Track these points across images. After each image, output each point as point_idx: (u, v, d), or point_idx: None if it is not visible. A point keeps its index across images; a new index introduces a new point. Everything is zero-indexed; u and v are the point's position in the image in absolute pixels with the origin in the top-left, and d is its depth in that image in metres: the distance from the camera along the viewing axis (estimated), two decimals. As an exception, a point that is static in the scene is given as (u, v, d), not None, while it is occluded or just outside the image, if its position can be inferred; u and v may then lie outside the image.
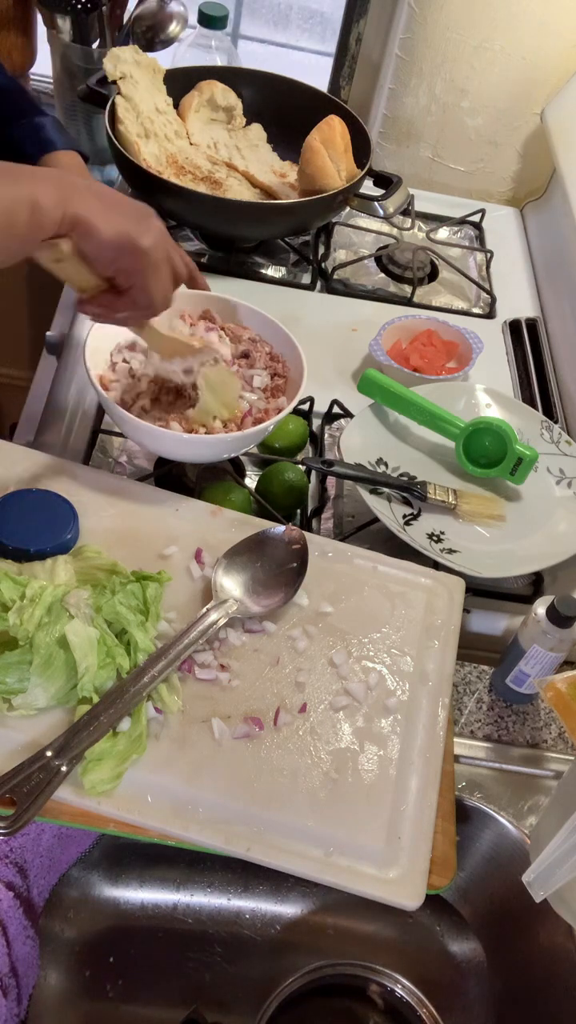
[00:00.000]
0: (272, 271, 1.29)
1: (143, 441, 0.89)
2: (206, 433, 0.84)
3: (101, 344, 0.88)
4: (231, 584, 0.77)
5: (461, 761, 0.83)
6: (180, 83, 1.29)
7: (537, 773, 0.84)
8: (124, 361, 0.90)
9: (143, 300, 0.74)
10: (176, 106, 1.29)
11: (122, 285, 0.73)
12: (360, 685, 0.74)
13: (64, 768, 0.62)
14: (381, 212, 1.22)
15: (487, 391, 1.07)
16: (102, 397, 0.83)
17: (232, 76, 1.32)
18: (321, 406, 1.08)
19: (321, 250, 1.34)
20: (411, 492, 0.93)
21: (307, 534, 0.81)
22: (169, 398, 0.89)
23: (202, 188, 1.22)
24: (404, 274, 1.32)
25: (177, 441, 0.84)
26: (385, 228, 1.38)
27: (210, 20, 1.34)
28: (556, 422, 1.14)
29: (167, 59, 1.33)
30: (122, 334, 0.89)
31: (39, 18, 1.36)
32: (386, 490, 0.94)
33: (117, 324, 0.79)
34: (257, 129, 1.34)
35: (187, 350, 0.85)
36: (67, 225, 0.65)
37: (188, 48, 1.38)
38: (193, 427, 0.85)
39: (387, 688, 0.75)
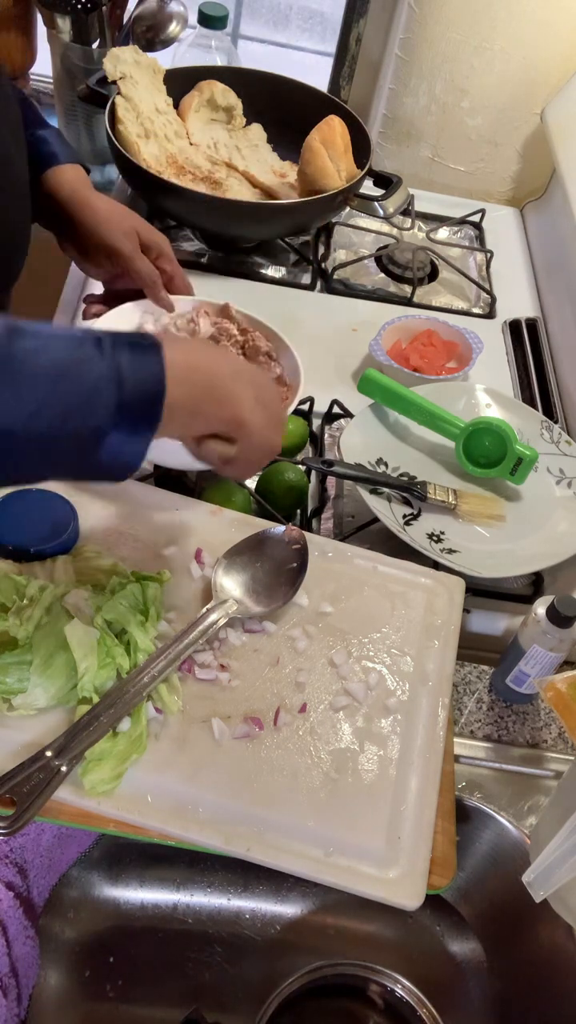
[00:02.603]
0: (272, 271, 1.29)
1: None
2: None
3: None
4: (231, 584, 0.77)
5: (461, 761, 0.83)
6: (180, 83, 1.29)
7: (537, 773, 0.84)
8: None
9: (251, 472, 0.76)
10: (176, 106, 1.29)
11: (248, 467, 0.75)
12: (360, 685, 0.74)
13: (64, 768, 0.62)
14: (381, 212, 1.22)
15: (487, 391, 1.06)
16: None
17: (232, 76, 1.32)
18: (321, 406, 1.08)
19: (321, 250, 1.34)
20: (411, 492, 0.93)
21: (307, 534, 0.81)
22: None
23: (202, 188, 1.22)
24: (404, 274, 1.32)
25: (173, 448, 0.83)
26: (385, 228, 1.38)
27: (210, 20, 1.34)
28: (556, 422, 1.14)
29: (167, 59, 1.33)
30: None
31: (39, 18, 1.36)
32: (386, 490, 0.94)
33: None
34: (257, 129, 1.34)
35: None
36: (232, 428, 0.68)
37: (188, 48, 1.38)
38: None
39: (387, 688, 0.75)
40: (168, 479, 0.94)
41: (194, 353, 0.66)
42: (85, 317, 0.93)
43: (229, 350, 0.87)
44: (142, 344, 0.61)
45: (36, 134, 0.89)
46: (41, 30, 1.38)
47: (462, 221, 1.44)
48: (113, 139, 1.16)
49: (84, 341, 0.59)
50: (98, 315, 0.91)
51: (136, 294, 0.91)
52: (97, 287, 0.98)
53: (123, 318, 0.90)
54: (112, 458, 0.60)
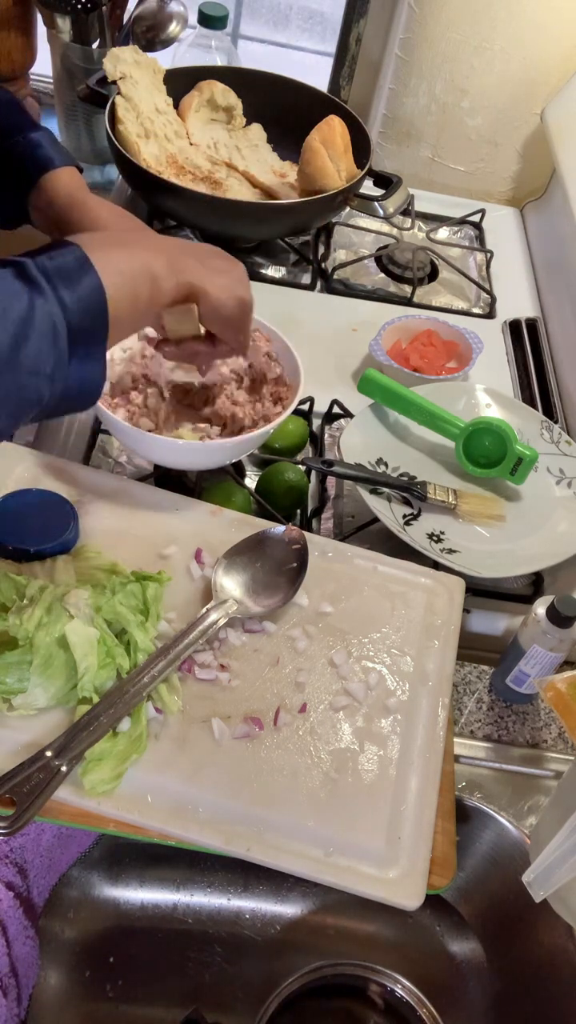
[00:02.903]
0: (272, 271, 1.29)
1: (137, 449, 0.88)
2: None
3: None
4: (231, 584, 0.77)
5: (461, 761, 0.83)
6: (180, 83, 1.29)
7: (537, 773, 0.84)
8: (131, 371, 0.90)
9: (237, 345, 0.79)
10: (176, 106, 1.29)
11: (226, 338, 0.77)
12: (360, 685, 0.74)
13: (64, 768, 0.62)
14: (381, 212, 1.22)
15: (487, 391, 1.07)
16: (97, 408, 0.83)
17: (232, 76, 1.32)
18: (321, 406, 1.08)
19: (321, 250, 1.34)
20: (411, 492, 0.93)
21: (307, 534, 0.81)
22: (177, 397, 0.89)
23: (202, 188, 1.22)
24: (404, 274, 1.32)
25: (173, 448, 0.83)
26: (385, 228, 1.38)
27: (210, 20, 1.34)
28: (556, 422, 1.14)
29: (167, 59, 1.33)
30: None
31: (39, 18, 1.36)
32: (386, 490, 0.94)
33: (186, 361, 0.82)
34: (257, 129, 1.34)
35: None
36: (182, 293, 0.70)
37: (188, 48, 1.38)
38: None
39: (387, 688, 0.75)
40: (168, 479, 0.94)
41: (120, 251, 0.66)
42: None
43: (148, 232, 0.86)
44: (71, 265, 0.61)
45: (29, 137, 0.89)
46: (41, 30, 1.37)
47: (462, 221, 1.44)
48: (113, 139, 1.16)
49: (16, 290, 0.58)
50: None
51: None
52: None
53: None
54: (75, 390, 0.61)
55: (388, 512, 0.92)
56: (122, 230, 0.81)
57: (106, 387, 0.88)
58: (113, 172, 1.40)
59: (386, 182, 1.25)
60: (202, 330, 0.77)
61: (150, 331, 0.92)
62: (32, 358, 0.57)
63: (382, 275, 1.33)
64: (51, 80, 1.41)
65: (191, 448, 0.83)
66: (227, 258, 0.76)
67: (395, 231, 1.38)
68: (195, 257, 0.72)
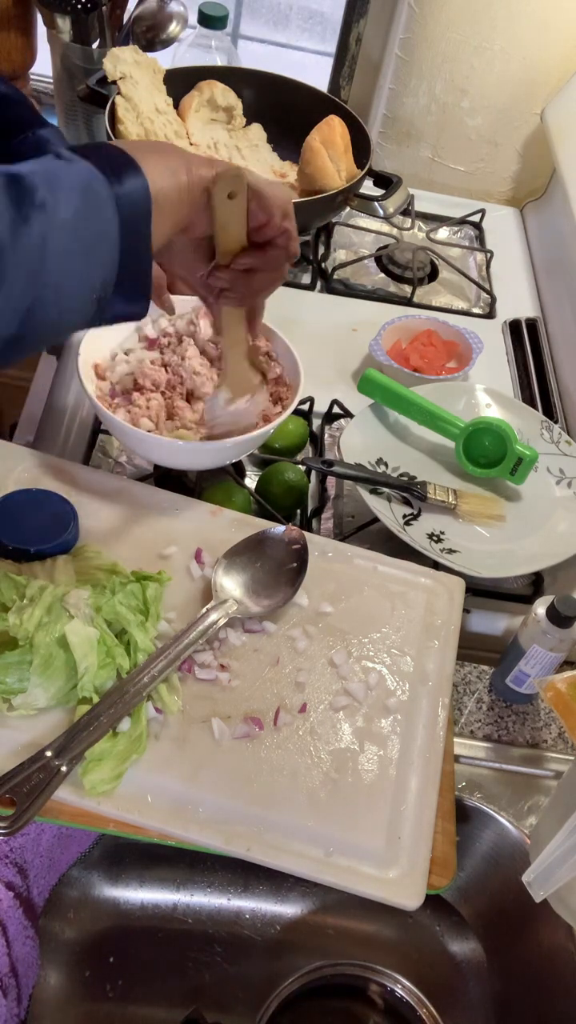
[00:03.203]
0: (272, 271, 1.29)
1: (136, 449, 0.88)
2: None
3: (95, 355, 0.88)
4: (231, 584, 0.77)
5: (461, 761, 0.83)
6: (180, 83, 1.28)
7: (537, 773, 0.84)
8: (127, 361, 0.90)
9: (287, 241, 0.74)
10: (176, 106, 1.29)
11: (276, 239, 0.73)
12: (360, 685, 0.74)
13: (64, 768, 0.62)
14: (381, 212, 1.22)
15: (487, 391, 1.07)
16: (97, 408, 0.83)
17: (232, 76, 1.32)
18: (321, 406, 1.08)
19: (321, 250, 1.34)
20: (411, 492, 0.93)
21: (307, 534, 0.81)
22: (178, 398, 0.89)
23: (202, 188, 1.22)
24: (404, 274, 1.32)
25: (173, 449, 0.83)
26: (385, 228, 1.38)
27: (210, 20, 1.34)
28: (556, 422, 1.14)
29: (167, 59, 1.33)
30: (115, 340, 0.90)
31: (39, 18, 1.36)
32: (386, 490, 0.94)
33: (251, 298, 0.78)
34: (257, 129, 1.34)
35: (251, 387, 0.83)
36: (236, 181, 0.68)
37: (188, 48, 1.38)
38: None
39: (387, 688, 0.75)
40: (168, 479, 0.94)
41: (155, 153, 0.65)
42: None
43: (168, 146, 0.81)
44: (126, 165, 0.61)
45: (37, 134, 0.89)
46: (41, 30, 1.37)
47: (462, 221, 1.44)
48: (113, 139, 1.16)
49: (91, 190, 0.58)
50: None
51: None
52: None
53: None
54: (128, 284, 0.61)
55: (388, 512, 0.92)
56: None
57: (107, 387, 0.88)
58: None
59: (386, 182, 1.25)
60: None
61: (150, 332, 0.92)
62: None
63: (382, 275, 1.33)
64: (51, 80, 1.41)
65: (191, 448, 0.83)
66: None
67: (395, 231, 1.38)
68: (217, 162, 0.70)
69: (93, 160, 0.60)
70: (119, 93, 1.19)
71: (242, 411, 0.83)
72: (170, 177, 0.65)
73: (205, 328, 0.90)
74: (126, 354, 0.91)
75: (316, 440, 1.07)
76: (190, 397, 0.89)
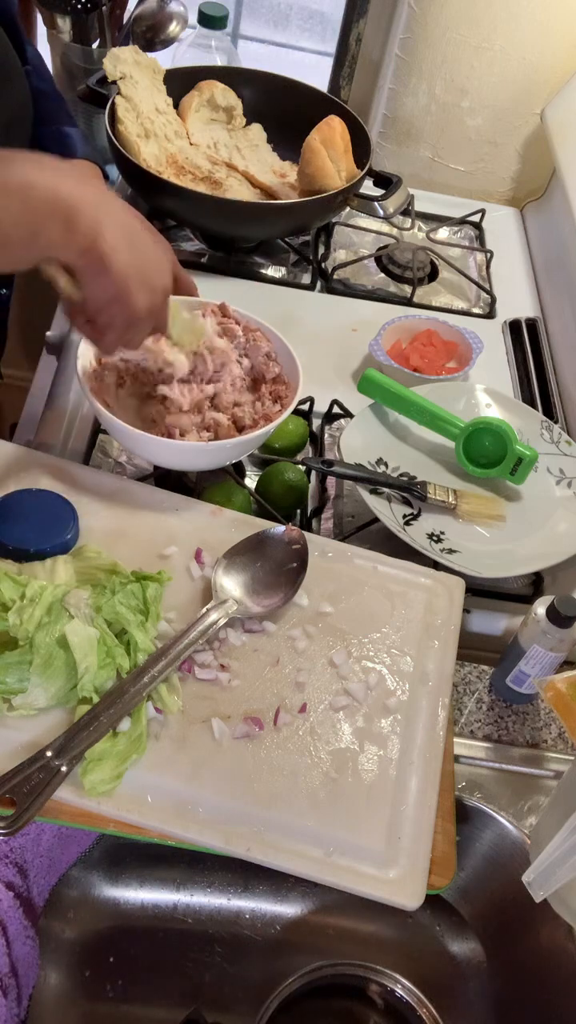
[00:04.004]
0: (272, 271, 1.29)
1: (136, 449, 0.88)
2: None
3: (94, 355, 0.88)
4: (231, 584, 0.77)
5: (461, 761, 0.83)
6: (180, 83, 1.28)
7: (537, 773, 0.84)
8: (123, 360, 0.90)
9: (112, 342, 0.73)
10: (176, 106, 1.29)
11: (99, 324, 0.71)
12: (360, 685, 0.74)
13: (64, 768, 0.62)
14: (381, 212, 1.22)
15: (487, 391, 1.07)
16: (96, 408, 0.83)
17: (232, 76, 1.32)
18: (321, 406, 1.08)
19: (321, 250, 1.34)
20: (411, 492, 0.93)
21: (307, 534, 0.81)
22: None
23: (202, 188, 1.22)
24: (404, 274, 1.32)
25: (173, 449, 0.83)
26: (385, 228, 1.38)
27: (210, 20, 1.34)
28: (556, 422, 1.14)
29: (167, 59, 1.33)
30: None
31: (39, 18, 1.36)
32: (386, 490, 0.94)
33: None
34: (257, 129, 1.34)
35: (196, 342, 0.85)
36: (88, 256, 0.64)
37: (188, 48, 1.38)
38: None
39: (387, 688, 0.75)
40: (168, 479, 0.94)
41: (47, 171, 0.61)
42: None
43: (100, 183, 0.80)
44: None
45: (62, 130, 0.91)
46: (41, 30, 1.38)
47: (462, 221, 1.44)
48: (113, 139, 1.16)
49: None
50: None
51: None
52: None
53: None
54: None
55: (388, 512, 0.92)
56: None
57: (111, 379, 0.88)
58: (113, 172, 1.40)
59: (386, 182, 1.25)
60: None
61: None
62: None
63: (382, 275, 1.33)
64: (51, 80, 1.41)
65: (191, 449, 0.83)
66: (158, 258, 0.69)
67: (395, 231, 1.38)
68: (126, 236, 0.65)
69: None
70: (119, 93, 1.19)
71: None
72: (27, 233, 0.61)
73: (210, 325, 0.90)
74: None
75: (316, 440, 1.07)
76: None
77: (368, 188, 1.24)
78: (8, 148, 0.68)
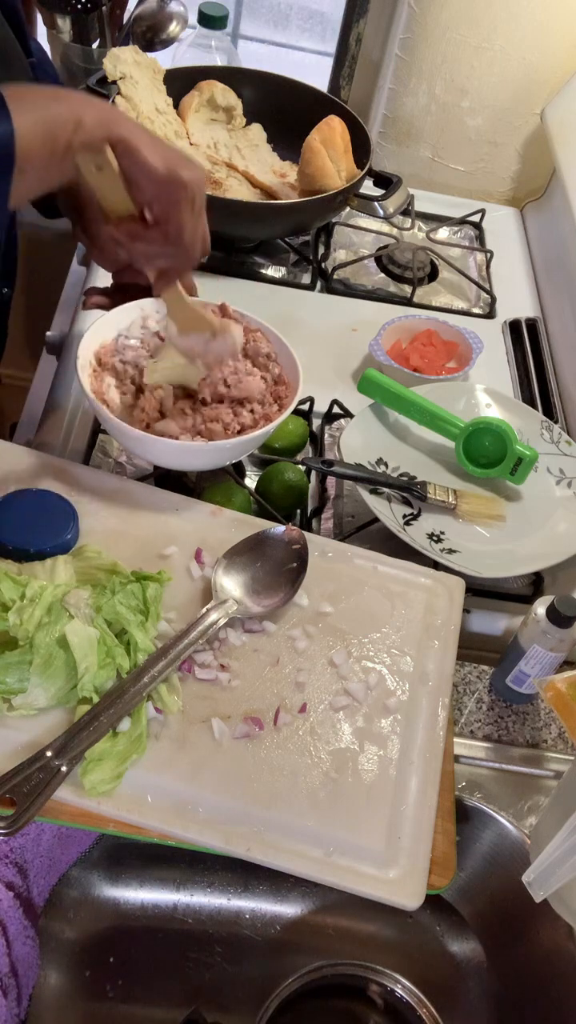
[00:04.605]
0: (272, 271, 1.29)
1: (136, 449, 0.88)
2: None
3: (94, 355, 0.88)
4: (231, 584, 0.77)
5: (461, 761, 0.83)
6: (180, 83, 1.28)
7: (537, 773, 0.84)
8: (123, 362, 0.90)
9: (176, 235, 0.74)
10: (176, 106, 1.29)
11: (157, 216, 0.73)
12: (360, 685, 0.74)
13: (64, 768, 0.62)
14: (381, 212, 1.22)
15: (487, 391, 1.07)
16: (96, 408, 0.83)
17: (232, 76, 1.32)
18: (321, 406, 1.08)
19: (321, 250, 1.34)
20: (411, 492, 0.93)
21: (307, 534, 0.81)
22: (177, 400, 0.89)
23: (202, 188, 1.22)
24: (404, 274, 1.32)
25: (172, 449, 0.83)
26: (385, 228, 1.38)
27: (210, 20, 1.34)
28: (556, 422, 1.14)
29: (167, 59, 1.33)
30: (122, 332, 0.89)
31: (39, 18, 1.36)
32: (386, 490, 0.94)
33: (144, 266, 0.79)
34: (257, 129, 1.34)
35: (205, 325, 0.85)
36: (111, 139, 0.67)
37: (188, 48, 1.38)
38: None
39: (387, 688, 0.75)
40: (168, 479, 0.94)
41: (49, 100, 0.64)
42: (85, 307, 0.93)
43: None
44: None
45: None
46: (41, 30, 1.38)
47: (462, 221, 1.44)
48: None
49: None
50: (98, 306, 0.90)
51: (142, 291, 0.91)
52: (103, 281, 0.97)
53: (123, 317, 0.90)
54: None
55: (388, 512, 0.92)
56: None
57: (104, 387, 0.88)
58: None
59: (386, 182, 1.25)
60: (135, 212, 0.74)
61: (150, 322, 0.91)
62: None
63: (382, 275, 1.33)
64: (51, 80, 1.41)
65: (190, 449, 0.83)
66: (183, 151, 0.72)
67: (395, 231, 1.38)
68: (142, 128, 0.68)
69: None
70: (119, 93, 1.18)
71: (209, 347, 0.85)
72: (43, 134, 0.63)
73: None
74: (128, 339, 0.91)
75: (316, 440, 1.07)
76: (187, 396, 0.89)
77: (368, 188, 1.24)
78: None
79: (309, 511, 0.98)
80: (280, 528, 0.81)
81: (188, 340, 0.85)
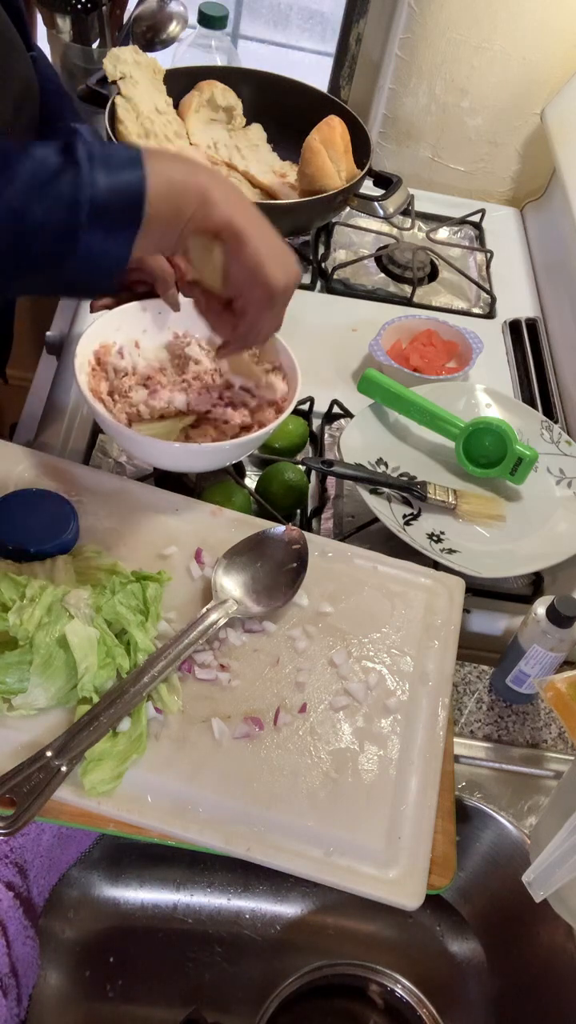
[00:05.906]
0: (272, 271, 1.29)
1: (136, 451, 0.88)
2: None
3: (93, 354, 0.88)
4: (231, 584, 0.77)
5: (461, 761, 0.83)
6: (180, 83, 1.28)
7: (537, 773, 0.84)
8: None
9: (246, 330, 0.77)
10: (176, 106, 1.29)
11: (238, 308, 0.75)
12: (360, 685, 0.74)
13: (64, 768, 0.62)
14: (381, 212, 1.22)
15: (487, 391, 1.07)
16: (95, 409, 0.83)
17: (232, 76, 1.32)
18: (321, 406, 1.08)
19: (321, 250, 1.34)
20: (411, 492, 0.93)
21: (307, 534, 0.81)
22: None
23: (202, 188, 1.22)
24: (404, 274, 1.32)
25: (172, 451, 0.83)
26: (385, 228, 1.38)
27: (210, 20, 1.34)
28: (556, 422, 1.14)
29: (167, 59, 1.33)
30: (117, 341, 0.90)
31: (39, 18, 1.36)
32: (386, 490, 0.94)
33: (209, 330, 0.82)
34: (257, 129, 1.34)
35: (254, 376, 0.90)
36: (226, 231, 0.69)
37: (188, 48, 1.38)
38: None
39: (387, 688, 0.75)
40: (168, 479, 0.94)
41: (183, 166, 0.67)
42: (92, 310, 0.93)
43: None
44: (121, 158, 0.63)
45: (71, 126, 0.91)
46: (41, 30, 1.38)
47: (462, 221, 1.44)
48: (113, 139, 1.16)
49: (50, 159, 0.62)
50: (105, 307, 0.91)
51: (145, 289, 0.91)
52: None
53: (127, 318, 0.90)
54: (82, 260, 0.63)
55: (388, 512, 0.92)
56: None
57: (104, 388, 0.88)
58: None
59: (386, 182, 1.25)
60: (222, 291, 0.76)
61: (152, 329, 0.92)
62: (40, 215, 0.61)
63: (382, 275, 1.33)
64: (51, 80, 1.41)
65: (190, 451, 0.83)
66: (287, 248, 0.74)
67: (395, 231, 1.38)
68: (258, 218, 0.71)
69: (82, 149, 0.63)
70: (119, 93, 1.19)
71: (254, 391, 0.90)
72: (171, 200, 0.66)
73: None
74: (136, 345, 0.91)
75: (316, 440, 1.07)
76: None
77: (368, 188, 1.24)
78: (17, 127, 0.70)
79: (309, 511, 0.98)
80: (280, 528, 0.81)
81: (237, 378, 0.91)
